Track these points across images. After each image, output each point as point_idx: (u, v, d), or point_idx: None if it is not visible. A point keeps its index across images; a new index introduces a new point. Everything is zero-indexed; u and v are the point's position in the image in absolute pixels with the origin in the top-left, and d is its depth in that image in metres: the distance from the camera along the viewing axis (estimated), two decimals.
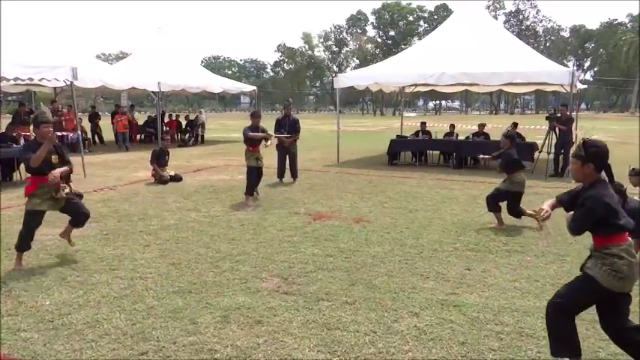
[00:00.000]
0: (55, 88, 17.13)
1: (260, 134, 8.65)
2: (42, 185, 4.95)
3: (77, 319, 3.87)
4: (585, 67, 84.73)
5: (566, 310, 3.00)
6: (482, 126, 14.43)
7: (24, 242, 5.05)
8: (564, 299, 3.02)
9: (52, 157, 4.98)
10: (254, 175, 8.52)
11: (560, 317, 3.00)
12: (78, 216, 5.32)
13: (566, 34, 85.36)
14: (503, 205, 6.92)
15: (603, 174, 3.22)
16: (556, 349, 3.04)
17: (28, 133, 15.02)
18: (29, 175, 5.10)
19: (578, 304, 3.04)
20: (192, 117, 23.37)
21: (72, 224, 5.41)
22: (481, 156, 7.81)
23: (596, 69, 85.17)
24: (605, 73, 76.29)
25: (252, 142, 8.66)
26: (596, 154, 2.99)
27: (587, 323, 3.80)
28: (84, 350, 3.40)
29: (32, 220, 5.02)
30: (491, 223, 6.84)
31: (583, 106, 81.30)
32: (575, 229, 3.04)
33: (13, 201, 8.38)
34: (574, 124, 12.10)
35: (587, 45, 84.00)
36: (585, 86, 19.18)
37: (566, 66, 17.99)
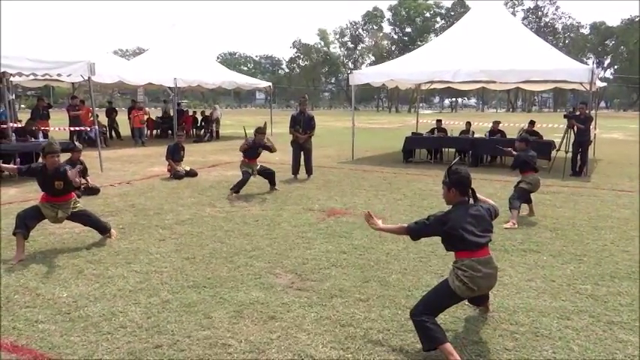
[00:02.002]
0: (73, 83, 17.33)
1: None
2: (50, 202, 5.41)
3: (93, 311, 3.92)
4: (605, 65, 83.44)
5: (433, 309, 3.32)
6: (496, 123, 14.19)
7: (15, 224, 5.23)
8: (430, 299, 3.39)
9: (56, 182, 5.33)
10: (248, 177, 8.62)
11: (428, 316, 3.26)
12: (97, 228, 5.82)
13: (586, 31, 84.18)
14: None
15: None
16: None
17: (48, 128, 15.29)
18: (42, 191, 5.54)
19: (441, 304, 3.40)
20: (207, 113, 23.50)
21: (99, 233, 5.88)
22: (509, 149, 7.92)
23: (616, 67, 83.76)
24: (625, 71, 74.94)
25: (249, 154, 8.78)
26: (457, 180, 3.39)
27: (604, 325, 3.76)
28: (100, 342, 3.44)
29: (29, 210, 5.40)
30: (506, 222, 6.73)
31: (602, 104, 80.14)
32: (412, 232, 3.48)
33: (31, 194, 8.50)
34: (593, 123, 11.93)
35: (607, 42, 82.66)
36: (605, 84, 18.90)
37: (585, 63, 17.68)
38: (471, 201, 3.47)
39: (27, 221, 5.25)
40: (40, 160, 5.86)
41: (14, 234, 5.20)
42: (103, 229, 5.83)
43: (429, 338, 3.17)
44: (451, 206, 3.48)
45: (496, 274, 3.44)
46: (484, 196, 3.75)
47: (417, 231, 3.48)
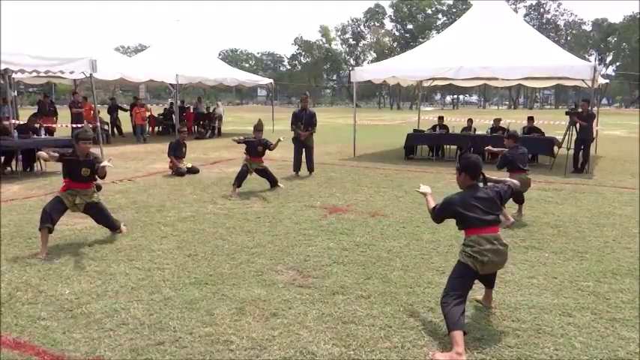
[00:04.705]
0: (74, 80, 17.35)
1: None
2: (70, 189, 5.45)
3: (95, 308, 3.92)
4: (607, 62, 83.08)
5: (454, 290, 3.52)
6: (497, 121, 14.20)
7: (41, 218, 5.27)
8: (450, 281, 3.62)
9: (83, 169, 5.41)
10: (245, 170, 8.60)
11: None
12: (108, 225, 5.86)
13: (588, 27, 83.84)
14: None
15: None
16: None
17: (54, 125, 15.32)
18: (64, 178, 5.54)
19: (460, 284, 3.57)
20: (210, 109, 23.49)
21: (110, 230, 5.93)
22: (488, 147, 7.56)
23: (618, 63, 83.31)
24: (628, 68, 74.60)
25: (250, 152, 8.76)
26: (466, 165, 3.68)
27: (606, 322, 3.76)
28: (102, 339, 3.45)
29: (53, 202, 5.39)
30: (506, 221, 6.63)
31: (604, 101, 79.87)
32: (433, 217, 3.87)
33: (34, 191, 8.53)
34: (595, 120, 11.90)
35: (609, 39, 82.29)
36: (607, 81, 18.78)
37: (587, 60, 17.62)
38: (481, 184, 3.73)
39: (53, 215, 5.29)
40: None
41: (40, 229, 5.23)
42: (113, 227, 5.85)
43: (447, 322, 3.35)
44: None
45: (506, 250, 3.61)
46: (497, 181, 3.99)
47: (435, 213, 3.82)
